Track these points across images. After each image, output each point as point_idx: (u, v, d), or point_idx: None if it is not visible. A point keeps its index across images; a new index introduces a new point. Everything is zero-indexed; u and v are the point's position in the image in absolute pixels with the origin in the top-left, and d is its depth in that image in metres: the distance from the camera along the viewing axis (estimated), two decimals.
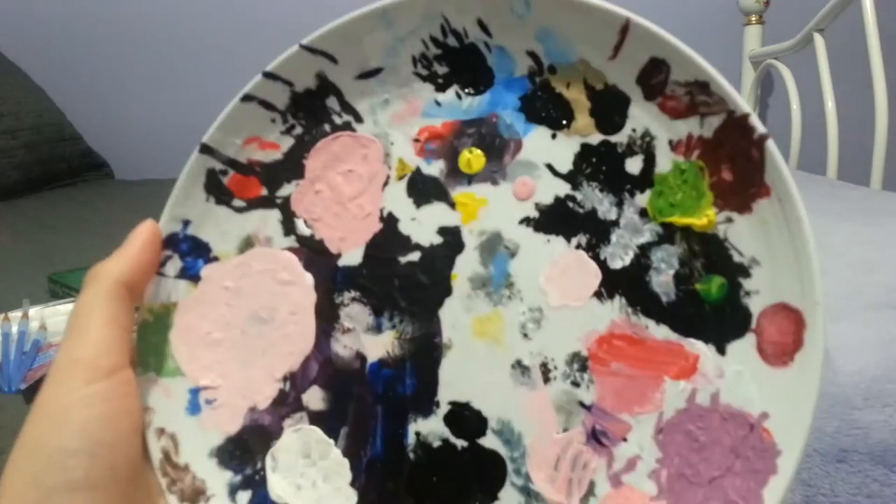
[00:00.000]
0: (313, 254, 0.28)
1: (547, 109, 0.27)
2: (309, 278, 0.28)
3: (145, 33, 1.42)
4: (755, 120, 0.22)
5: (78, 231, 0.88)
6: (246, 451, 0.27)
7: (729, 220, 0.24)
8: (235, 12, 1.40)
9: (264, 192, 0.29)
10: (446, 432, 0.26)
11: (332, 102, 0.29)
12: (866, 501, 0.33)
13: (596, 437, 0.24)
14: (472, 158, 0.27)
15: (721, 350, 0.23)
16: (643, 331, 0.24)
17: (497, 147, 0.27)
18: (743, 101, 0.23)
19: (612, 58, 0.25)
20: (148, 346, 0.27)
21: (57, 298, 0.58)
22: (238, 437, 0.27)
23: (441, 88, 0.28)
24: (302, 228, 0.29)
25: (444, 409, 0.27)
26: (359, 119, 0.29)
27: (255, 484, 0.26)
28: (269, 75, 0.28)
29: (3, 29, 1.37)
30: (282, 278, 0.28)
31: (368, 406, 0.27)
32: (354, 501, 0.26)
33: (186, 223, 0.28)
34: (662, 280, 0.24)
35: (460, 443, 0.26)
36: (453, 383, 0.27)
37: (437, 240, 0.27)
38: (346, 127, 0.29)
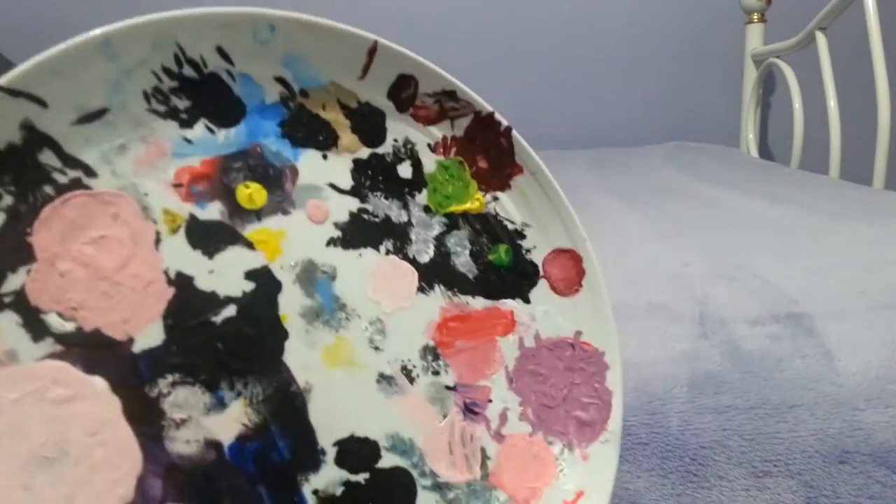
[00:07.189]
0: (91, 350, 0.22)
1: (310, 132, 0.26)
2: (99, 382, 0.22)
3: None
4: (499, 116, 0.27)
5: None
6: None
7: (495, 199, 0.29)
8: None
9: None
10: (344, 474, 0.25)
11: (49, 157, 0.22)
12: (868, 503, 0.33)
13: (470, 410, 0.27)
14: (253, 192, 0.25)
15: (526, 300, 0.28)
16: (466, 307, 0.28)
17: (273, 177, 0.26)
18: (485, 103, 0.27)
19: (361, 78, 0.26)
20: None
21: None
22: None
23: (187, 124, 0.24)
24: (58, 325, 0.22)
25: (331, 453, 0.25)
26: (91, 173, 0.23)
27: None
28: None
29: (2, 29, 1.37)
30: (56, 396, 0.22)
31: (248, 493, 0.24)
32: None
33: None
34: (463, 261, 0.28)
35: (362, 477, 0.25)
36: (329, 423, 0.25)
37: (249, 286, 0.25)
38: (77, 185, 0.23)
